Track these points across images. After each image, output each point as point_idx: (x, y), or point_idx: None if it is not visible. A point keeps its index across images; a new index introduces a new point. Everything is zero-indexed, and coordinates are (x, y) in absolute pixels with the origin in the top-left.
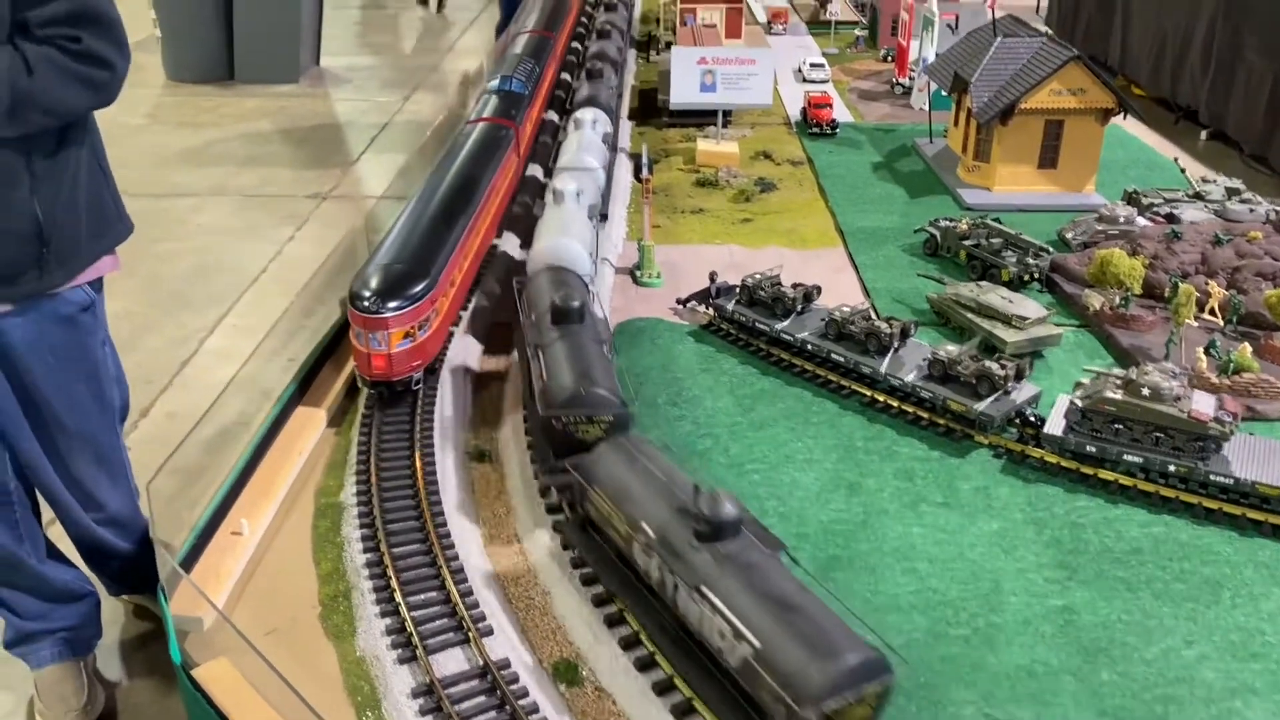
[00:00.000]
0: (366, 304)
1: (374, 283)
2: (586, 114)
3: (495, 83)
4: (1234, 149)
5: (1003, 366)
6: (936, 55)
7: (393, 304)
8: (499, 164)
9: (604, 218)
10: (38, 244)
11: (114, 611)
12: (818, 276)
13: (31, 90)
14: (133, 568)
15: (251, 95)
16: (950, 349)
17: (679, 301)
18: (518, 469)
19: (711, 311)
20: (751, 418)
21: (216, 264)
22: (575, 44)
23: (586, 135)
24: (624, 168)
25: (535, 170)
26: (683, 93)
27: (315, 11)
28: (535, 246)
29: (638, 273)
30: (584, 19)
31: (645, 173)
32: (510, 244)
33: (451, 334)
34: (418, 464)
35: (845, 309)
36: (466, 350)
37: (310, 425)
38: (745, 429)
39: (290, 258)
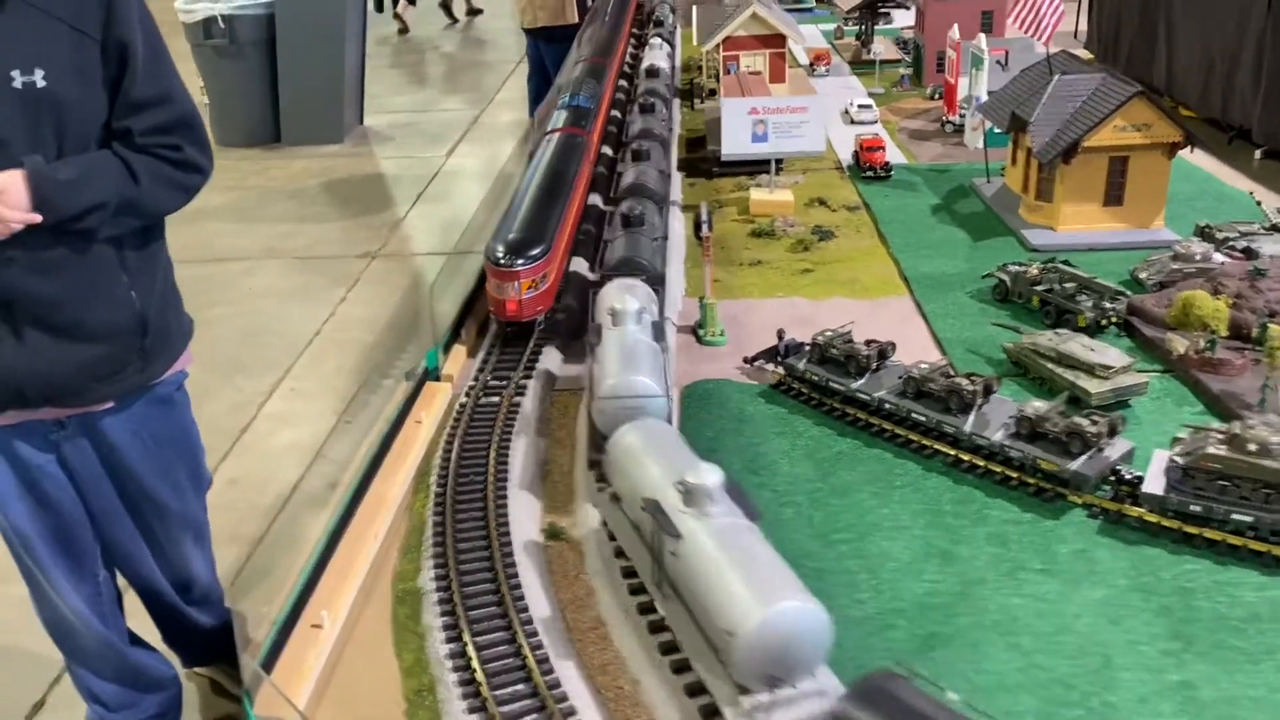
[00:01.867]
0: (502, 261)
1: (503, 246)
2: (628, 300)
3: (565, 99)
4: None
5: (1094, 422)
6: (989, 93)
7: (520, 261)
8: (579, 164)
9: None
10: (139, 336)
11: (187, 690)
12: (885, 327)
13: (138, 199)
14: (213, 642)
15: (298, 157)
16: (1038, 405)
17: (746, 360)
18: (595, 548)
19: (781, 370)
20: (832, 483)
21: (270, 327)
22: (629, 56)
23: (630, 337)
24: (678, 219)
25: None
26: (734, 144)
27: (358, 73)
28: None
29: (700, 331)
30: (634, 36)
31: (705, 229)
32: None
33: (563, 285)
34: (494, 546)
35: (924, 366)
36: (535, 421)
37: (384, 505)
38: (827, 495)
39: (343, 318)
